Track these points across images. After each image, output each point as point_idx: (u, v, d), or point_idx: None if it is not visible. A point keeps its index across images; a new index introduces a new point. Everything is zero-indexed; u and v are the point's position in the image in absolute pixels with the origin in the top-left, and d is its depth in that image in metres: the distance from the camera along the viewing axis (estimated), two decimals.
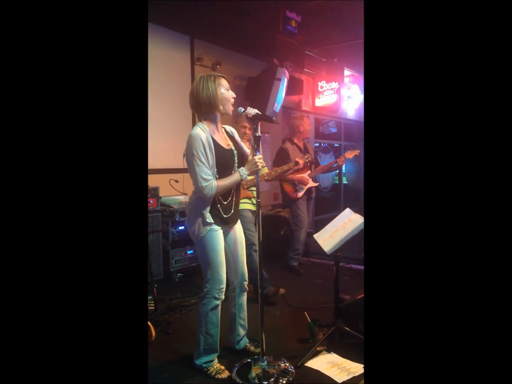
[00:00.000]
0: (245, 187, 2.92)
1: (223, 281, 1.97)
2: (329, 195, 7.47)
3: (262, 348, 1.90)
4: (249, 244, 2.83)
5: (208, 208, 1.91)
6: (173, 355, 2.23)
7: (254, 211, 3.05)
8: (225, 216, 1.97)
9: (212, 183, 1.83)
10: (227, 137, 2.03)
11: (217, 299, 1.97)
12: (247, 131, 3.05)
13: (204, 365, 2.02)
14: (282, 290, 3.02)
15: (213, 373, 1.99)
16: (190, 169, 1.88)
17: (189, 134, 1.86)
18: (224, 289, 1.99)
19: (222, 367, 2.02)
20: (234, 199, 2.01)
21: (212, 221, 1.91)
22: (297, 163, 3.27)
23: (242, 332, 2.22)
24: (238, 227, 2.13)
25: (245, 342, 2.24)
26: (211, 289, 1.95)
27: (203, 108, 1.90)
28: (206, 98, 1.87)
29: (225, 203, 1.97)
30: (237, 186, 2.03)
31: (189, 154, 1.84)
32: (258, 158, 1.89)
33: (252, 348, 2.21)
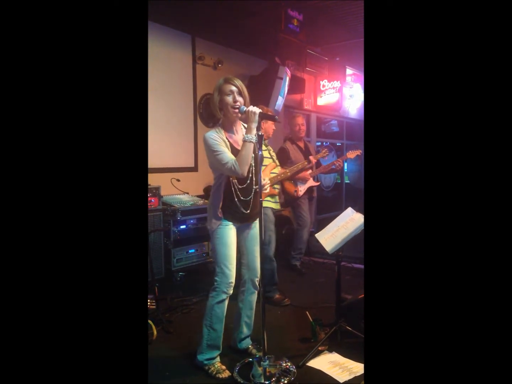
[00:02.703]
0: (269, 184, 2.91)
1: (231, 276, 1.99)
2: (331, 194, 7.47)
3: (264, 348, 1.90)
4: (266, 244, 2.83)
5: (221, 203, 1.98)
6: (174, 354, 2.22)
7: (276, 210, 3.06)
8: (245, 212, 2.01)
9: (232, 161, 1.88)
10: None
11: (225, 293, 1.99)
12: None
13: (206, 362, 2.02)
14: (287, 301, 3.01)
15: (214, 372, 1.99)
16: (214, 163, 1.96)
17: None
18: (233, 284, 2.00)
19: (223, 367, 2.02)
20: (253, 196, 2.03)
21: (222, 217, 1.98)
22: (309, 161, 3.29)
23: (246, 331, 2.21)
24: (257, 224, 2.13)
25: (247, 343, 2.24)
26: (220, 282, 1.98)
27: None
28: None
29: (245, 199, 2.00)
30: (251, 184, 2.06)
31: (208, 152, 1.95)
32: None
33: (254, 350, 2.20)
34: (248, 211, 2.02)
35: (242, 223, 2.07)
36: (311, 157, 3.31)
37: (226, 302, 2.03)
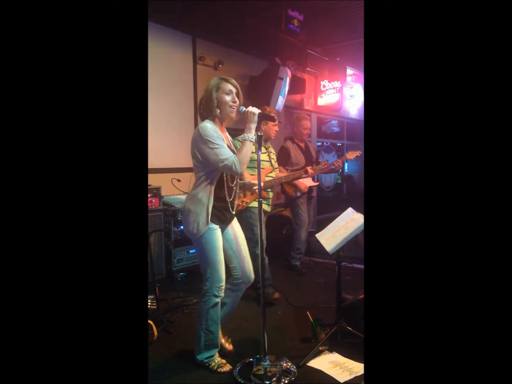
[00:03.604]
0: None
1: (222, 279, 1.98)
2: (332, 194, 7.47)
3: (264, 348, 1.90)
4: (254, 242, 2.83)
5: (211, 205, 1.92)
6: (174, 354, 2.23)
7: (266, 211, 3.11)
8: (231, 212, 2.01)
9: (232, 157, 1.83)
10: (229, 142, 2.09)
11: (216, 296, 1.98)
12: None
13: (206, 360, 2.04)
14: (276, 295, 3.02)
15: (215, 367, 2.02)
16: (208, 157, 1.85)
17: (197, 127, 1.91)
18: (223, 287, 2.00)
19: (224, 361, 2.05)
20: (235, 196, 2.06)
21: (211, 220, 1.92)
22: (306, 172, 3.32)
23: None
24: (235, 224, 2.15)
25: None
26: (211, 287, 1.97)
27: (203, 109, 1.99)
28: (204, 100, 1.97)
29: (231, 199, 2.01)
30: (236, 184, 2.08)
31: (203, 143, 1.85)
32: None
33: (227, 344, 2.20)
34: (234, 211, 2.04)
35: (225, 225, 2.05)
36: (308, 168, 3.32)
37: (219, 304, 2.02)
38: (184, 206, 2.00)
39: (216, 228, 1.96)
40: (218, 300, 2.00)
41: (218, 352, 2.09)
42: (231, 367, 2.03)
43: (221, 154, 1.82)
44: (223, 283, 1.99)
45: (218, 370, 2.01)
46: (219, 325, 2.06)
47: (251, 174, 2.92)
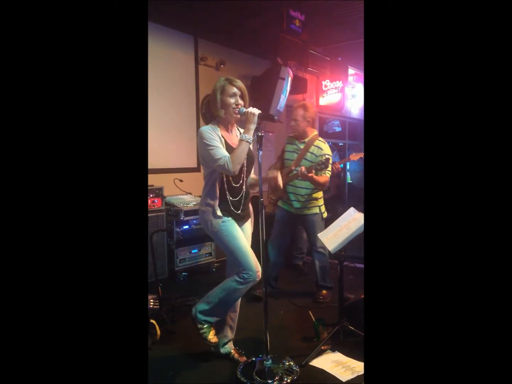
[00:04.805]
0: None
1: (257, 265, 1.96)
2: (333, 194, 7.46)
3: (267, 347, 1.91)
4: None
5: (217, 202, 1.96)
6: (177, 354, 2.24)
7: (290, 211, 3.07)
8: (236, 212, 2.02)
9: (226, 157, 1.87)
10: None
11: (253, 283, 1.96)
12: None
13: (202, 322, 2.02)
14: (259, 292, 2.98)
15: (204, 333, 2.01)
16: (205, 158, 1.94)
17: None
18: (260, 274, 1.96)
19: (214, 332, 2.04)
20: (244, 196, 2.06)
21: (221, 214, 1.96)
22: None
23: (229, 334, 2.18)
24: (248, 225, 2.15)
25: (230, 347, 2.19)
26: (251, 276, 1.93)
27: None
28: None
29: (235, 199, 2.02)
30: (247, 188, 2.09)
31: (201, 146, 1.94)
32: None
33: (236, 355, 2.15)
34: (239, 211, 2.03)
35: (238, 222, 2.06)
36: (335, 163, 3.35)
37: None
38: (199, 207, 2.09)
39: (229, 220, 1.99)
40: (250, 287, 1.98)
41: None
42: (217, 341, 2.03)
43: (215, 154, 1.88)
44: (259, 269, 1.96)
45: (206, 337, 2.00)
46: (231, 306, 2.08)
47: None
